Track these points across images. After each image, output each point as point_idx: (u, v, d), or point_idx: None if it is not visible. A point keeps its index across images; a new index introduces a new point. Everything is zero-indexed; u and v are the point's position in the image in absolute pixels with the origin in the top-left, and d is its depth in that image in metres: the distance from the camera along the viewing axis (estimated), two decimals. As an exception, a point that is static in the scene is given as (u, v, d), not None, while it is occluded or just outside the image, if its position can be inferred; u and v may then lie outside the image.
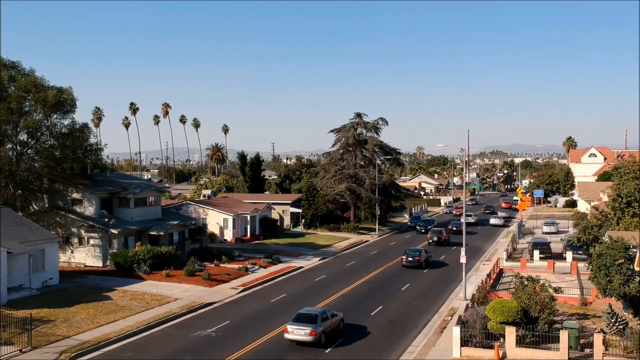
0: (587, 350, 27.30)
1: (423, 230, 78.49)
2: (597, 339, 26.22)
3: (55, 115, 50.41)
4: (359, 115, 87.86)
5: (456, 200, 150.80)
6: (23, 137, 49.47)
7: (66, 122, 51.44)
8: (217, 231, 67.40)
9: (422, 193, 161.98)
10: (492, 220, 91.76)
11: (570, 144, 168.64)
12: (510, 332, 27.23)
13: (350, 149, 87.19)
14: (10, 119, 47.03)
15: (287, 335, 30.05)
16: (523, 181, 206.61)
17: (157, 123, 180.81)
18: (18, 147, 49.47)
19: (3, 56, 49.58)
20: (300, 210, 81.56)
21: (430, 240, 67.38)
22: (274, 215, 78.85)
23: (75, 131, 51.25)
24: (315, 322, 29.94)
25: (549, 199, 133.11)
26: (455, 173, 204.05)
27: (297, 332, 29.57)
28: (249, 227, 70.21)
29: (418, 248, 57.12)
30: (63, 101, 50.05)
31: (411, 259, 52.66)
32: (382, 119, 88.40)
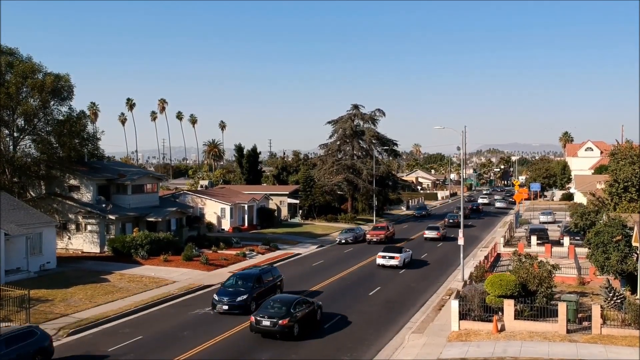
0: (585, 323, 27.37)
1: (226, 308, 31.37)
2: (595, 310, 26.29)
3: (52, 102, 50.37)
4: (356, 106, 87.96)
5: (453, 195, 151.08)
6: (20, 122, 49.37)
7: (63, 109, 51.53)
8: (214, 220, 67.36)
9: (419, 188, 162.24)
10: (497, 204, 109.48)
11: (567, 139, 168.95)
12: (509, 305, 27.27)
13: (348, 140, 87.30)
14: (8, 104, 46.95)
15: (379, 261, 45.50)
16: (520, 177, 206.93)
17: (154, 119, 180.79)
18: (15, 133, 49.39)
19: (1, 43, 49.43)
20: (297, 201, 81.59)
21: (451, 220, 74.87)
22: (272, 206, 78.81)
23: (72, 118, 51.24)
24: (400, 252, 45.73)
25: (545, 192, 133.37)
26: (452, 169, 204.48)
27: (387, 260, 45.10)
28: (246, 216, 70.22)
29: (455, 214, 74.87)
30: (60, 88, 50.08)
31: (452, 220, 73.00)
32: (379, 110, 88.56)
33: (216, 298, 31.66)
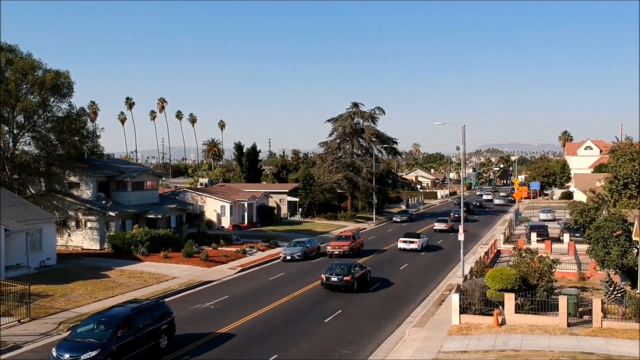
0: (586, 317, 27.35)
1: None
2: (596, 303, 26.28)
3: (52, 99, 50.37)
4: (355, 104, 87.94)
5: (452, 194, 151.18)
6: (20, 119, 49.34)
7: (63, 106, 51.53)
8: (214, 218, 67.34)
9: (418, 187, 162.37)
10: (497, 201, 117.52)
11: (566, 137, 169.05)
12: (509, 298, 27.26)
13: (347, 138, 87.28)
14: (8, 101, 46.91)
15: (400, 245, 52.59)
16: (519, 176, 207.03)
17: (153, 118, 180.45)
18: (15, 130, 49.35)
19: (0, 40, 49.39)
20: (297, 199, 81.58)
21: (456, 215, 77.16)
22: (271, 204, 78.88)
23: (72, 115, 51.22)
24: (419, 237, 53.29)
25: (546, 191, 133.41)
26: (451, 169, 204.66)
27: (407, 244, 52.27)
28: (246, 214, 70.20)
29: (458, 209, 74.79)
30: (60, 84, 50.09)
31: (457, 215, 75.40)
32: (378, 108, 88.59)
33: (54, 354, 21.54)
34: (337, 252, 49.03)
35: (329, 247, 50.34)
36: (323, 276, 35.99)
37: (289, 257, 47.38)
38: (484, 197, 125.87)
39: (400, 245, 52.89)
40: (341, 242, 50.51)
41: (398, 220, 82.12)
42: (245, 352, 24.50)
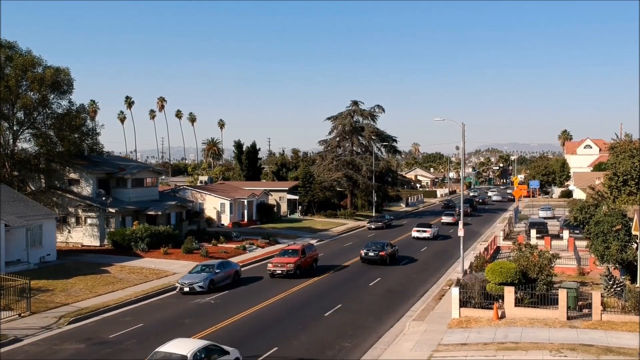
0: (586, 311, 27.42)
1: None
2: (596, 296, 26.35)
3: (52, 96, 50.33)
4: (355, 103, 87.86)
5: (452, 192, 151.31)
6: (20, 116, 49.31)
7: (63, 102, 51.48)
8: (214, 216, 67.36)
9: (418, 186, 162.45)
10: (495, 198, 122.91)
11: (566, 137, 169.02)
12: (509, 292, 27.32)
13: (347, 136, 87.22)
14: (8, 98, 46.91)
15: (414, 234, 59.21)
16: (519, 175, 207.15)
17: (152, 117, 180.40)
18: (15, 127, 49.36)
19: (-1, 37, 49.32)
20: (297, 197, 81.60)
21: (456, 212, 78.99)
22: (271, 201, 78.87)
23: (72, 112, 51.21)
24: (431, 227, 60.18)
25: (546, 189, 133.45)
26: (450, 168, 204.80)
27: (421, 233, 58.96)
28: (246, 212, 70.21)
29: (465, 205, 74.60)
30: (60, 81, 49.97)
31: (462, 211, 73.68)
32: (378, 106, 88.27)
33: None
34: (279, 272, 38.85)
35: (269, 265, 39.91)
36: (362, 252, 44.12)
37: (186, 289, 34.37)
38: (488, 193, 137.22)
39: (414, 234, 59.52)
40: (286, 259, 39.63)
41: (373, 227, 70.01)
42: (245, 347, 24.49)
